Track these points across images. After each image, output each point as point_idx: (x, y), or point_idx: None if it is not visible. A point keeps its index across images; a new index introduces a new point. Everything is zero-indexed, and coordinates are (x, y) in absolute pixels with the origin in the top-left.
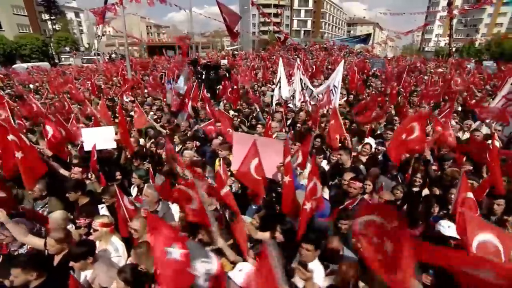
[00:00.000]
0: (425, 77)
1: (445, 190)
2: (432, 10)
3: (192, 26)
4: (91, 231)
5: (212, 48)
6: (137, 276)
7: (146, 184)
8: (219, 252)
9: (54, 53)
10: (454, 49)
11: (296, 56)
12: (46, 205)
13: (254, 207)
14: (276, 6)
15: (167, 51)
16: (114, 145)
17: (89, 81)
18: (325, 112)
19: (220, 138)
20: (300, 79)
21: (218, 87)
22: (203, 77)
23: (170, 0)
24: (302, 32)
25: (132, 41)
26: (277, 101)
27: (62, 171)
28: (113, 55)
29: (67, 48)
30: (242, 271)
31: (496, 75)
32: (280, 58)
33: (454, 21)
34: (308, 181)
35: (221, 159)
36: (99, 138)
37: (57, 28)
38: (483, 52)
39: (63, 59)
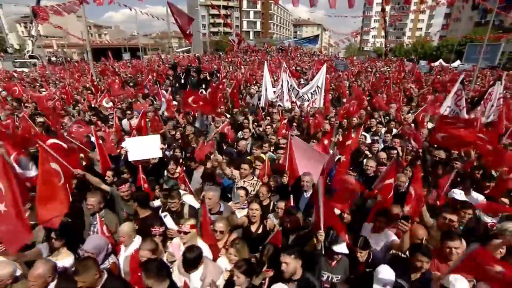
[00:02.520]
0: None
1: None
2: (367, 14)
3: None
4: (181, 235)
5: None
6: (251, 267)
7: (207, 187)
8: None
9: None
10: (388, 49)
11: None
12: (103, 218)
13: (306, 195)
14: (225, 7)
15: (123, 54)
16: (160, 154)
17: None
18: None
19: (243, 142)
20: (287, 81)
21: (200, 91)
22: (182, 81)
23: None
24: (252, 33)
25: (71, 43)
26: (271, 102)
27: (104, 186)
28: (53, 58)
29: None
30: None
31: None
32: (265, 63)
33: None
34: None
35: (254, 157)
36: (145, 147)
37: None
38: (411, 52)
39: None
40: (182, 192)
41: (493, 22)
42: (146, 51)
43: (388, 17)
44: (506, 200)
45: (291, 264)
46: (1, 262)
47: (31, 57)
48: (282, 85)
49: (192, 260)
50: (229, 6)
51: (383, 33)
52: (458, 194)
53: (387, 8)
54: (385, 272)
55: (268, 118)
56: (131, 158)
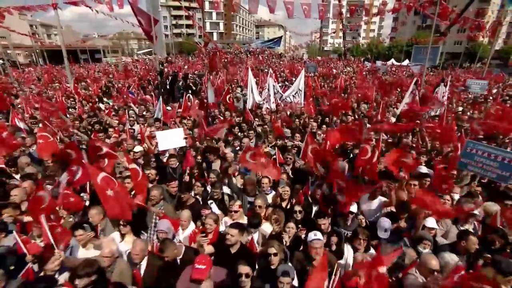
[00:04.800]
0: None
1: None
2: (324, 8)
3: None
4: (232, 213)
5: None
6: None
7: (247, 178)
8: None
9: None
10: (347, 49)
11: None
12: (162, 207)
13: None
14: (187, 8)
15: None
16: (184, 143)
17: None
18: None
19: (246, 139)
20: (273, 85)
21: (187, 96)
22: (168, 87)
23: None
24: (215, 34)
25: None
26: (257, 104)
27: None
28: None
29: None
30: None
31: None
32: (249, 68)
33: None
34: None
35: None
36: (172, 138)
37: None
38: (366, 52)
39: None
40: None
41: (434, 23)
42: (105, 54)
43: (345, 19)
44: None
45: (326, 223)
46: (107, 241)
47: None
48: (268, 89)
49: (255, 224)
50: (191, 7)
51: (341, 34)
52: (423, 168)
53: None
54: (384, 222)
55: (257, 119)
56: (161, 148)
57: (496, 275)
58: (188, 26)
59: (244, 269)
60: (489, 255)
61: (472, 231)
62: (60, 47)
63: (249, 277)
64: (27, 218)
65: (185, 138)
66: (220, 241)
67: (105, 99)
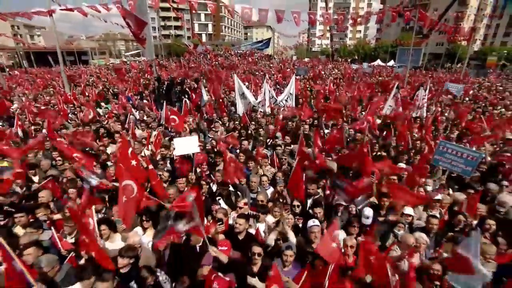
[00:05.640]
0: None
1: None
2: (313, 16)
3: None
4: (238, 208)
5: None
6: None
7: (253, 175)
8: None
9: None
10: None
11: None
12: None
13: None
14: (175, 9)
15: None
16: (198, 149)
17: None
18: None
19: (245, 142)
20: (269, 90)
21: (184, 101)
22: (164, 92)
23: None
24: (204, 35)
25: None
26: (253, 108)
27: None
28: None
29: None
30: None
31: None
32: (235, 76)
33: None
34: None
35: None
36: (187, 145)
37: None
38: (354, 53)
39: None
40: None
41: (415, 28)
42: (92, 55)
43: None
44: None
45: (321, 212)
46: (132, 234)
47: None
48: (264, 94)
49: (258, 216)
50: (179, 8)
51: (328, 35)
52: (401, 165)
53: (330, 11)
54: (368, 211)
55: (253, 122)
56: (177, 153)
57: (454, 249)
58: (176, 27)
59: (257, 249)
60: (451, 233)
61: (438, 216)
62: (44, 49)
63: (261, 256)
64: (56, 217)
65: (199, 146)
66: (230, 231)
67: (103, 104)
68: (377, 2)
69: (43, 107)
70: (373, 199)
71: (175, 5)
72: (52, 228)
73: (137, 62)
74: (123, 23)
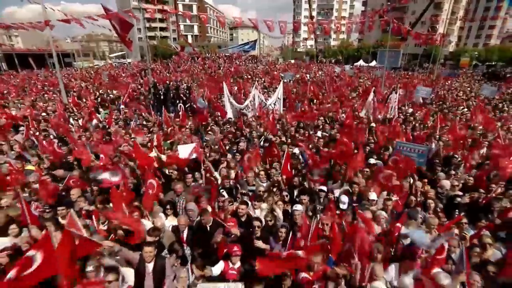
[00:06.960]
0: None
1: None
2: (297, 17)
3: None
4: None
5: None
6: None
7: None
8: None
9: None
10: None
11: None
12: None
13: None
14: (160, 11)
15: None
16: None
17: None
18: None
19: (242, 143)
20: (258, 96)
21: (179, 105)
22: (161, 97)
23: None
24: (190, 37)
25: None
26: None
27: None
28: None
29: None
30: None
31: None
32: (225, 84)
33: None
34: None
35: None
36: (190, 151)
37: None
38: (337, 53)
39: None
40: None
41: (389, 34)
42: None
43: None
44: None
45: (306, 199)
46: (158, 218)
47: None
48: (254, 98)
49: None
50: (164, 10)
51: (312, 36)
52: (372, 160)
53: (314, 13)
54: (344, 197)
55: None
56: (181, 156)
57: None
58: (162, 29)
59: (257, 223)
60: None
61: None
62: (23, 51)
63: (260, 228)
64: (91, 208)
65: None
66: (234, 215)
67: (101, 110)
68: (359, 3)
69: (43, 114)
70: (348, 187)
71: (160, 7)
72: (93, 217)
73: (125, 64)
74: (105, 24)
